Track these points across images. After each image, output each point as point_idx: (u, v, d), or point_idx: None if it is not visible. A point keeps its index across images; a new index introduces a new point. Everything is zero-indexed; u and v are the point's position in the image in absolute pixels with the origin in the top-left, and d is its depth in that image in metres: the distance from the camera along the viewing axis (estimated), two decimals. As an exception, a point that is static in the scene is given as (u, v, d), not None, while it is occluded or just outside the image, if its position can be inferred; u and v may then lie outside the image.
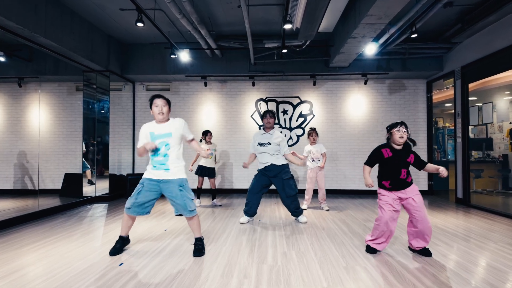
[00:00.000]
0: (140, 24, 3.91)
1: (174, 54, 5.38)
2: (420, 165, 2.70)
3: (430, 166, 2.68)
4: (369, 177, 2.76)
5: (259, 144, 3.90)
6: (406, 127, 2.61)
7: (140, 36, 5.86)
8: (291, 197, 3.87)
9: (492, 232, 3.53)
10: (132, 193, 2.74)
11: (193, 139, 2.86)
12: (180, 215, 2.83)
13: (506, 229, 3.67)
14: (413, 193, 2.63)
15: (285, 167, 3.90)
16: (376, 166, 2.77)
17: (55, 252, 2.82)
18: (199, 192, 5.24)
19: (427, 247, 2.73)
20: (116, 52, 6.05)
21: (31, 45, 4.23)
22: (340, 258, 2.66)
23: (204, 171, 5.09)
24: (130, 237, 3.06)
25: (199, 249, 2.76)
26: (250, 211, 3.95)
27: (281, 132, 4.47)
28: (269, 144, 3.85)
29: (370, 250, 2.78)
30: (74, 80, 6.38)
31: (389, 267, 2.46)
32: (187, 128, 2.80)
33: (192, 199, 2.75)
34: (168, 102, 2.78)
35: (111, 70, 5.84)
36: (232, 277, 2.27)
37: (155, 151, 2.67)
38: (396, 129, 2.60)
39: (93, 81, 5.76)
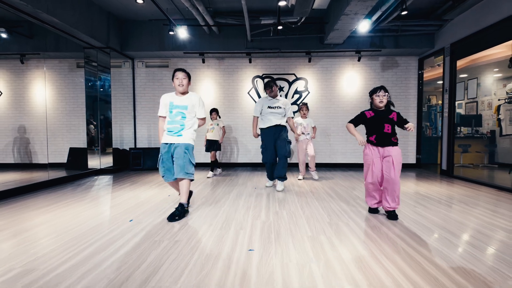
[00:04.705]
0: (140, 1, 4.05)
1: (173, 31, 5.50)
2: (402, 122, 2.87)
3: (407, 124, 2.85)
4: (358, 133, 2.90)
5: (269, 107, 4.26)
6: (386, 91, 2.85)
7: (138, 12, 5.95)
8: (285, 157, 4.24)
9: (465, 196, 3.88)
10: (158, 165, 3.02)
11: (202, 119, 3.13)
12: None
13: (477, 194, 4.02)
14: (394, 153, 2.79)
15: (286, 128, 4.33)
16: (363, 128, 2.99)
17: (69, 213, 3.14)
18: (212, 165, 5.66)
19: (396, 210, 2.89)
20: (115, 28, 6.15)
21: (34, 21, 4.37)
22: (325, 216, 3.00)
23: (211, 144, 5.51)
24: (133, 204, 3.37)
25: (174, 214, 2.86)
26: (270, 176, 4.53)
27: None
28: (279, 107, 4.25)
29: (371, 210, 3.07)
30: (75, 57, 6.51)
31: (368, 222, 2.80)
32: (202, 106, 3.08)
33: (193, 165, 2.99)
34: (188, 76, 3.04)
35: (111, 46, 5.98)
36: (230, 229, 2.60)
37: (170, 111, 2.97)
38: (375, 94, 2.86)
39: (93, 58, 5.91)
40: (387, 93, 2.85)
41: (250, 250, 2.14)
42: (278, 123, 4.24)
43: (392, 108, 2.95)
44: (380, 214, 3.06)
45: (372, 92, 2.90)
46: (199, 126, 3.14)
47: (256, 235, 2.44)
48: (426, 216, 3.00)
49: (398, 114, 2.91)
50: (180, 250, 2.14)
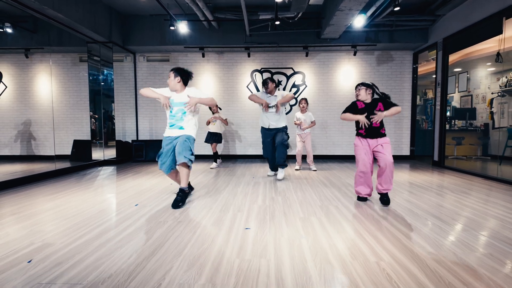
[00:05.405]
0: (142, -3, 4.20)
1: (173, 26, 5.66)
2: (389, 107, 3.03)
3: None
4: (356, 115, 3.08)
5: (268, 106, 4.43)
6: (364, 85, 3.06)
7: (139, 7, 6.10)
8: (283, 145, 4.38)
9: (452, 185, 4.09)
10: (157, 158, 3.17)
11: (209, 99, 3.20)
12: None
13: (463, 182, 4.24)
14: (383, 141, 3.01)
15: (284, 128, 4.49)
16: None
17: (77, 199, 3.35)
18: (215, 157, 5.91)
19: (388, 193, 3.05)
20: (117, 24, 6.31)
21: (41, 17, 4.53)
22: (317, 200, 3.22)
23: (212, 137, 5.72)
24: (137, 191, 3.58)
25: (177, 200, 2.97)
26: (271, 166, 4.82)
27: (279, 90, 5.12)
28: (276, 105, 4.38)
29: (359, 198, 3.22)
30: (78, 51, 6.67)
31: (357, 206, 3.02)
32: (201, 92, 3.21)
33: (192, 154, 3.06)
34: (179, 74, 3.12)
35: (114, 41, 6.14)
36: (229, 212, 2.81)
37: (171, 110, 3.12)
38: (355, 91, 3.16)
39: (96, 53, 6.07)
40: (364, 87, 3.06)
41: (246, 228, 2.35)
42: (274, 127, 4.42)
43: (377, 97, 3.13)
44: (368, 200, 3.27)
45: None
46: (211, 107, 3.17)
47: (253, 217, 2.65)
48: (411, 201, 3.21)
49: (384, 103, 3.03)
50: (183, 229, 2.35)
